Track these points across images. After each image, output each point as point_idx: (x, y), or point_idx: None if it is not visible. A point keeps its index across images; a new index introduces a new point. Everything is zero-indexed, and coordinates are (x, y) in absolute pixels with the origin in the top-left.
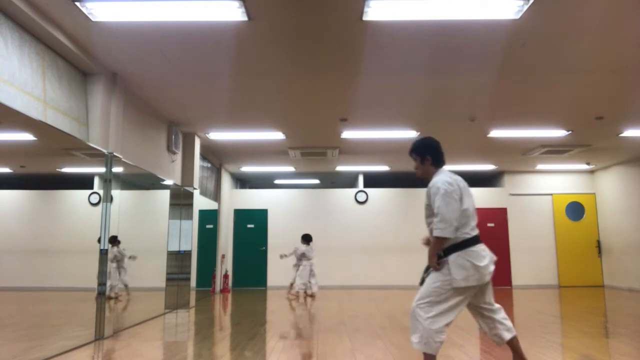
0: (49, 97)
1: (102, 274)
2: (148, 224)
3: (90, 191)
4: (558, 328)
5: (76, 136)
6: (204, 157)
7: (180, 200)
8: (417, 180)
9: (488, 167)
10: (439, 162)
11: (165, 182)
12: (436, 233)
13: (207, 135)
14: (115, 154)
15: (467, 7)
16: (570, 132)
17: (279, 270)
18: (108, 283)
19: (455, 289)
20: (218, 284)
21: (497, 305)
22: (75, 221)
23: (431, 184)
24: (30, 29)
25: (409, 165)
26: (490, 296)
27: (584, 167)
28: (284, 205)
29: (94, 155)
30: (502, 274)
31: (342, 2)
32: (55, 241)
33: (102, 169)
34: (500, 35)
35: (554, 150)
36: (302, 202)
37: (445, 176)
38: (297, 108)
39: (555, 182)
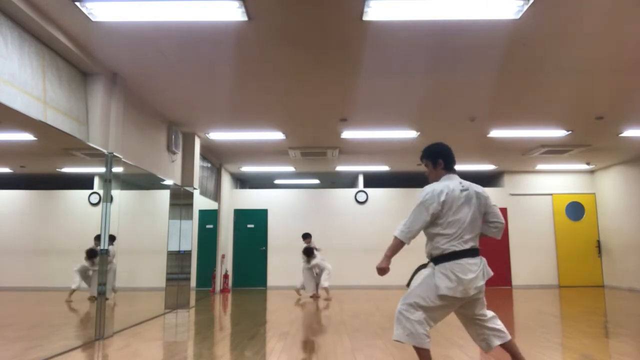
0: (49, 97)
1: (102, 274)
2: (148, 224)
3: (90, 191)
4: (558, 328)
5: (76, 136)
6: (204, 157)
7: (180, 200)
8: (417, 180)
9: (488, 167)
10: (450, 167)
11: (165, 182)
12: (395, 232)
13: (207, 135)
14: (115, 154)
15: (467, 7)
16: (570, 132)
17: (279, 271)
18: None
19: (440, 296)
20: (218, 284)
21: (490, 315)
22: (75, 221)
23: (426, 187)
24: (30, 28)
25: (409, 165)
26: (481, 308)
27: (584, 167)
28: (284, 205)
29: (94, 155)
30: (502, 274)
31: (342, 2)
32: (55, 241)
33: (102, 169)
34: (500, 35)
35: (554, 150)
36: (302, 202)
37: (442, 183)
38: (297, 108)
39: (555, 182)
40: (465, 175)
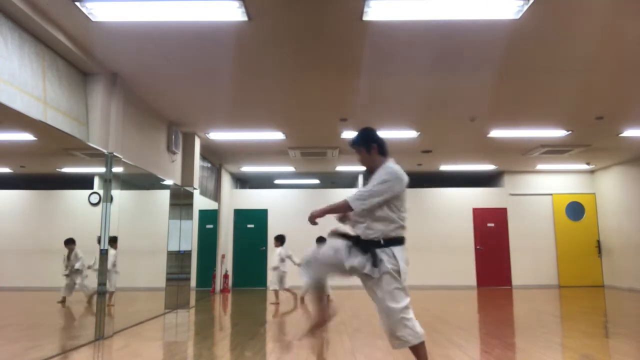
0: (49, 97)
1: (102, 274)
2: (148, 224)
3: (90, 191)
4: (558, 328)
5: (76, 136)
6: (204, 157)
7: (180, 200)
8: (417, 180)
9: (488, 167)
10: (384, 150)
11: (165, 182)
12: (347, 198)
13: (207, 135)
14: (115, 154)
15: (467, 7)
16: (570, 132)
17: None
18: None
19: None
20: (218, 284)
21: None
22: (75, 221)
23: (386, 166)
24: (30, 29)
25: (409, 165)
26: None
27: (584, 167)
28: (284, 205)
29: (94, 155)
30: (502, 274)
31: (342, 2)
32: (55, 241)
33: (102, 169)
34: (500, 35)
35: (554, 150)
36: (302, 202)
37: (394, 166)
38: (297, 108)
39: (555, 182)
40: (465, 175)
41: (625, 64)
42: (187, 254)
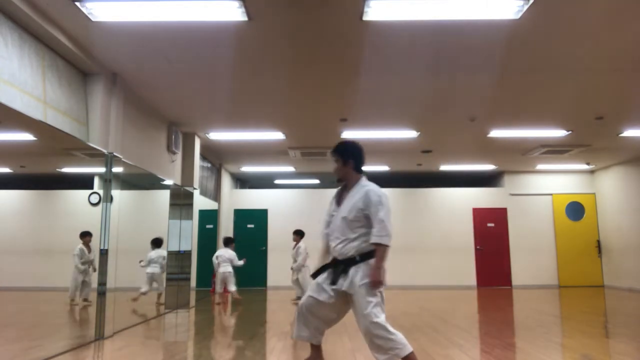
0: (49, 97)
1: (103, 273)
2: (148, 224)
3: (90, 191)
4: (558, 328)
5: (76, 136)
6: (204, 157)
7: (180, 200)
8: (417, 180)
9: (488, 167)
10: (359, 168)
11: (165, 182)
12: (383, 240)
13: (207, 135)
14: (115, 154)
15: (467, 7)
16: (570, 132)
17: (279, 271)
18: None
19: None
20: (218, 284)
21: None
22: (75, 221)
23: (372, 190)
24: (30, 29)
25: (409, 165)
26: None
27: (584, 167)
28: (284, 205)
29: (94, 155)
30: (502, 274)
31: (342, 2)
32: (55, 241)
33: (102, 169)
34: (500, 35)
35: (554, 150)
36: (302, 202)
37: (376, 186)
38: (297, 108)
39: (555, 182)
40: (465, 175)
41: (625, 64)
42: (187, 254)
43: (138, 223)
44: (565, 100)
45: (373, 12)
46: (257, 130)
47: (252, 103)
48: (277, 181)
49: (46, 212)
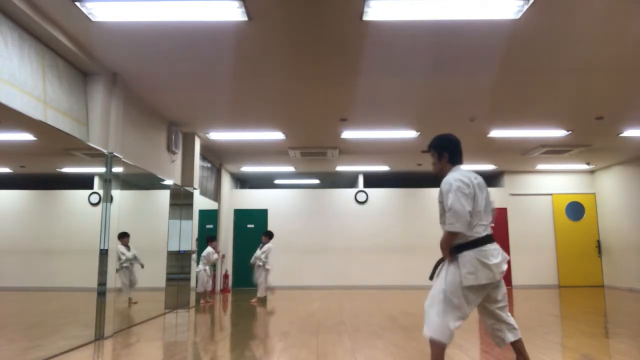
0: (49, 97)
1: (103, 274)
2: (148, 224)
3: (90, 191)
4: (558, 328)
5: (76, 136)
6: (204, 157)
7: (180, 200)
8: (417, 180)
9: (488, 167)
10: (455, 160)
11: (165, 182)
12: (447, 228)
13: (207, 135)
14: (115, 154)
15: (467, 7)
16: (570, 132)
17: (278, 270)
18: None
19: (465, 287)
20: (218, 284)
21: (506, 303)
22: (75, 221)
23: (444, 181)
24: (30, 29)
25: (409, 165)
26: (503, 291)
27: (584, 167)
28: (284, 205)
29: (94, 155)
30: None
31: (342, 2)
32: (55, 241)
33: (102, 169)
34: (500, 35)
35: (554, 150)
36: (302, 202)
37: (458, 174)
38: (297, 108)
39: (555, 182)
40: None
41: (625, 64)
42: (187, 254)
43: (138, 223)
44: (565, 100)
45: (373, 12)
46: (257, 130)
47: (252, 103)
48: (277, 181)
49: (46, 212)
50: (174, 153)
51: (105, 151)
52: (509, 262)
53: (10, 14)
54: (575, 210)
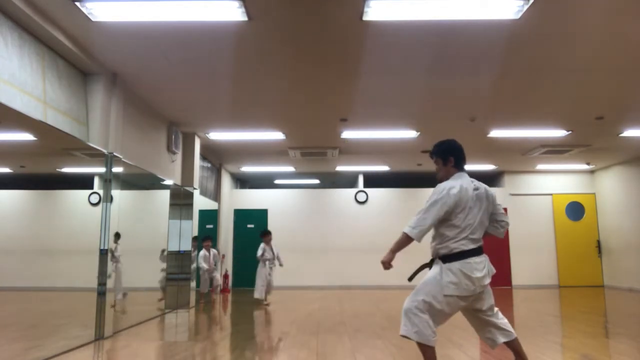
0: (49, 97)
1: (103, 274)
2: (148, 224)
3: (90, 191)
4: (558, 328)
5: (76, 136)
6: (204, 157)
7: (180, 200)
8: (417, 180)
9: (488, 167)
10: (460, 164)
11: (165, 182)
12: (406, 229)
13: (207, 135)
14: (115, 154)
15: (467, 7)
16: (570, 132)
17: (279, 270)
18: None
19: (446, 296)
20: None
21: (495, 310)
22: (75, 221)
23: (443, 183)
24: (30, 29)
25: (409, 165)
26: (489, 303)
27: (584, 167)
28: (284, 205)
29: (94, 155)
30: (502, 274)
31: (342, 2)
32: (55, 241)
33: (102, 169)
34: (500, 35)
35: (554, 150)
36: (302, 202)
37: (460, 181)
38: (297, 108)
39: (555, 182)
40: None
41: (625, 64)
42: (187, 254)
43: (138, 223)
44: (565, 100)
45: (373, 12)
46: (257, 130)
47: (252, 103)
48: (277, 181)
49: (46, 212)
50: (174, 153)
51: (105, 151)
52: (509, 262)
53: (10, 14)
54: (575, 210)
